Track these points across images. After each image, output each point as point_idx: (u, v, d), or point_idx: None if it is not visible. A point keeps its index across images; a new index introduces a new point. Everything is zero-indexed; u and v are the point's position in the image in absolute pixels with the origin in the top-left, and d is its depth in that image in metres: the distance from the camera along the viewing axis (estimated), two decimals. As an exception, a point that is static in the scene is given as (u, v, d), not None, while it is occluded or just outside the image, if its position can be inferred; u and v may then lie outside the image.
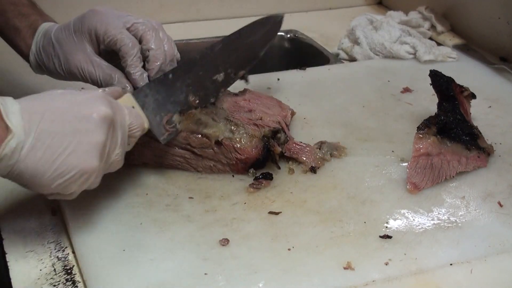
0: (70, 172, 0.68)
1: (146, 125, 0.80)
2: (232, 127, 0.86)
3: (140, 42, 0.87)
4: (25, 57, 0.92)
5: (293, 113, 0.99)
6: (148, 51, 0.86)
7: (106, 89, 0.78)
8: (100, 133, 0.69)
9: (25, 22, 0.91)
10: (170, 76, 0.85)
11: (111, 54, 0.88)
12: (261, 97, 0.96)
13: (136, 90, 0.83)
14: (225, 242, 0.74)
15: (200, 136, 0.85)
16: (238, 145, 0.84)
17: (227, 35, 0.92)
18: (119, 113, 0.73)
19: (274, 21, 0.97)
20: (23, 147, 0.66)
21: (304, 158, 0.88)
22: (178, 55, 0.90)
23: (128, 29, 0.87)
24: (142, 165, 0.87)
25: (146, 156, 0.86)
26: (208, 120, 0.86)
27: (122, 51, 0.85)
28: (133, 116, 0.76)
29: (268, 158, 0.86)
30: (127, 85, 0.85)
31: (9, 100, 0.67)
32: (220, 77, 0.90)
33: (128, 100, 0.80)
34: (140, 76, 0.85)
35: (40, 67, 0.91)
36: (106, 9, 0.88)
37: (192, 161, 0.86)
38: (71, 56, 0.87)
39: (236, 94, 0.95)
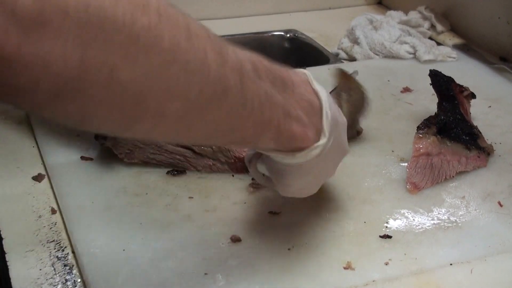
0: (320, 183, 0.71)
1: None
2: None
3: None
4: None
5: None
6: None
7: None
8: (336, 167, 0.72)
9: None
10: None
11: None
12: None
13: None
14: (235, 238, 0.74)
15: None
16: None
17: None
18: None
19: None
20: (323, 152, 0.63)
21: None
22: None
23: None
24: (142, 163, 0.86)
25: (145, 154, 0.86)
26: None
27: None
28: None
29: None
30: None
31: (324, 94, 0.64)
32: None
33: None
34: None
35: None
36: None
37: (192, 160, 0.86)
38: None
39: None
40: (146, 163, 0.87)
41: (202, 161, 0.86)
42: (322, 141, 0.63)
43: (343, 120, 0.70)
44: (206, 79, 0.50)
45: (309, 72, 0.65)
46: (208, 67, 0.50)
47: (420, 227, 0.77)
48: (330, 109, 0.64)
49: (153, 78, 0.47)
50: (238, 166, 0.85)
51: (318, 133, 0.63)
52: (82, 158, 0.88)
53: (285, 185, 0.68)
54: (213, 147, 0.84)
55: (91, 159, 0.88)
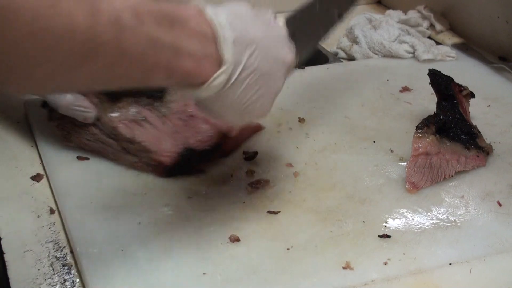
0: (251, 114, 0.67)
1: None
2: None
3: None
4: None
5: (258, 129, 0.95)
6: None
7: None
8: (282, 80, 0.68)
9: None
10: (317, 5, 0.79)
11: None
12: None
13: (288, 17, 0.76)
14: (233, 238, 0.73)
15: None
16: None
17: None
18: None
19: None
20: (228, 80, 0.62)
21: None
22: None
23: None
24: (79, 148, 0.87)
25: (82, 139, 0.86)
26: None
27: None
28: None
29: (187, 166, 0.84)
30: None
31: (222, 18, 0.62)
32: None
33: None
34: None
35: None
36: None
37: (118, 154, 0.85)
38: None
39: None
40: (83, 149, 0.87)
41: (127, 157, 0.85)
42: (222, 68, 0.61)
43: (270, 35, 0.67)
44: (73, 41, 0.52)
45: (204, 2, 0.63)
46: (75, 29, 0.51)
47: (419, 226, 0.77)
48: (234, 31, 0.62)
49: (17, 49, 0.49)
50: (160, 170, 0.84)
51: (219, 62, 0.62)
52: (78, 158, 0.88)
53: (220, 115, 0.68)
54: (135, 145, 0.84)
55: (87, 158, 0.88)
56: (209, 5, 0.63)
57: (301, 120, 0.99)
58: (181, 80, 0.61)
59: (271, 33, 0.67)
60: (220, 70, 0.62)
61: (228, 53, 0.61)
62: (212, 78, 0.61)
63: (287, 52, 0.68)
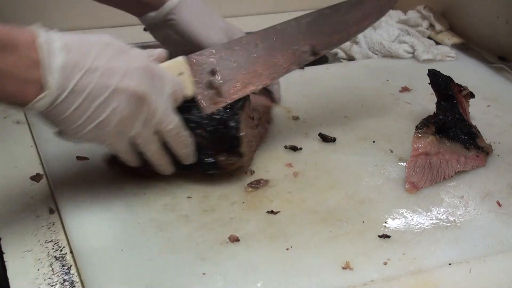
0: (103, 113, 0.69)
1: (191, 92, 0.79)
2: None
3: None
4: None
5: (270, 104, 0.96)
6: None
7: (155, 51, 0.77)
8: (127, 109, 0.70)
9: None
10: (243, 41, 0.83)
11: None
12: None
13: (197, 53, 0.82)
14: (233, 238, 0.73)
15: None
16: None
17: (320, 9, 0.87)
18: (158, 83, 0.73)
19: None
20: (55, 101, 0.66)
21: None
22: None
23: None
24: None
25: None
26: None
27: None
28: (176, 84, 0.77)
29: None
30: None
31: (56, 45, 0.66)
32: (301, 49, 0.85)
33: (177, 64, 0.79)
34: None
35: None
36: None
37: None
38: None
39: None
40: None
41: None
42: (44, 93, 0.65)
43: (117, 65, 0.69)
44: None
45: (38, 29, 0.66)
46: None
47: (418, 226, 0.77)
48: (66, 58, 0.66)
49: None
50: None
51: (43, 87, 0.65)
52: (78, 158, 0.88)
53: (63, 132, 0.71)
54: None
55: (87, 158, 0.88)
56: (44, 31, 0.66)
57: (301, 120, 0.99)
58: (8, 101, 0.66)
59: (119, 63, 0.70)
60: (41, 95, 0.65)
61: (51, 79, 0.65)
62: (33, 101, 0.65)
63: (135, 82, 0.70)
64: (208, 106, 0.81)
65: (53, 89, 0.65)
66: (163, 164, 0.79)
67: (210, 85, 0.80)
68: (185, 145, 0.79)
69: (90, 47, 0.68)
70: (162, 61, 0.78)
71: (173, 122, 0.76)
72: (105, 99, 0.69)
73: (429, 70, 0.95)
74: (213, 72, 0.81)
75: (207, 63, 0.81)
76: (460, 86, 0.95)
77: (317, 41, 0.86)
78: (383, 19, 1.29)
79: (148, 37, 0.96)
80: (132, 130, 0.73)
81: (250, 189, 0.82)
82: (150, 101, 0.72)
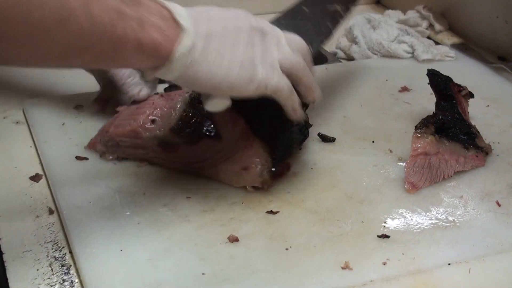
0: (225, 80, 0.69)
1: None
2: None
3: None
4: None
5: None
6: None
7: None
8: (252, 45, 0.71)
9: None
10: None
11: None
12: None
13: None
14: (232, 238, 0.73)
15: None
16: None
17: None
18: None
19: None
20: (196, 47, 0.67)
21: None
22: None
23: None
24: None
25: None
26: None
27: None
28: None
29: None
30: None
31: (176, 4, 0.68)
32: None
33: None
34: None
35: None
36: None
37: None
38: None
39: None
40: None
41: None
42: (185, 34, 0.66)
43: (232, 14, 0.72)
44: (44, 6, 0.57)
45: None
46: None
47: (418, 226, 0.77)
48: (190, 11, 0.69)
49: None
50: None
51: (179, 33, 0.66)
52: (77, 158, 0.88)
53: (197, 85, 0.71)
54: None
55: (86, 158, 0.88)
56: None
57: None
58: (150, 53, 0.65)
59: (232, 13, 0.72)
60: (184, 35, 0.66)
61: (185, 23, 0.67)
62: (176, 44, 0.66)
63: (249, 19, 0.72)
64: None
65: (190, 32, 0.66)
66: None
67: None
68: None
69: (202, 8, 0.71)
70: None
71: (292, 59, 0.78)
72: (232, 38, 0.70)
73: (428, 70, 0.95)
74: None
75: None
76: (459, 86, 0.95)
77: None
78: (382, 19, 1.29)
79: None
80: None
81: (249, 189, 0.82)
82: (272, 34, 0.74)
